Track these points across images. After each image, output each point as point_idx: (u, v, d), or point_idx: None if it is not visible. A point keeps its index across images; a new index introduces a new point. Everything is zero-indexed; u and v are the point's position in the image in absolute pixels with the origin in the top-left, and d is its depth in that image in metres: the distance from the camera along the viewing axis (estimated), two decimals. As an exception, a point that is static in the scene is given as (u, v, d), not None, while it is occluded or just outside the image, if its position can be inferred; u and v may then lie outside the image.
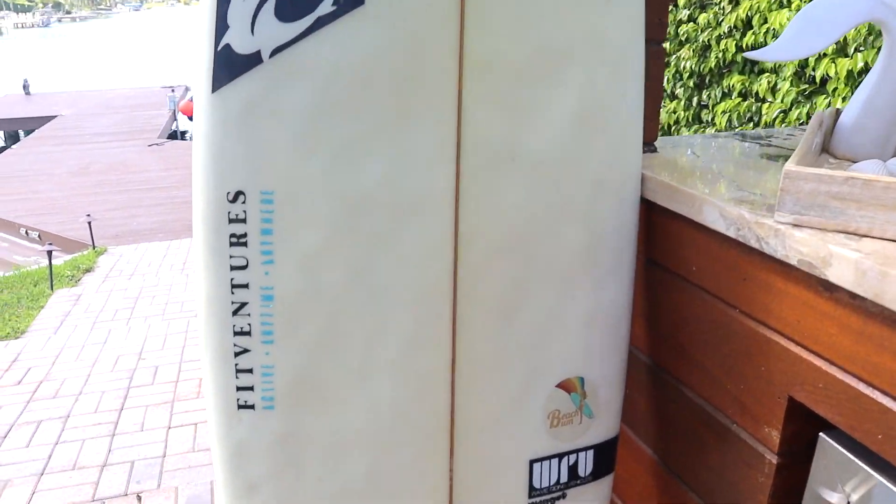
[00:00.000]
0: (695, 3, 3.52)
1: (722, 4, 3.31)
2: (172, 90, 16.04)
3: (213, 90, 0.70)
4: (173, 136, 13.62)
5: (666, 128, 3.90)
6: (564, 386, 0.91)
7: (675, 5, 3.63)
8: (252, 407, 0.75)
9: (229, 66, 0.69)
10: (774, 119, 3.02)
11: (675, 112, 3.78)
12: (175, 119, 14.67)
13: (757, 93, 3.10)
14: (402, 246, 0.77)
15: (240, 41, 0.69)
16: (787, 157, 1.02)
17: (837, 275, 0.67)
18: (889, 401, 0.65)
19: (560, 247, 0.85)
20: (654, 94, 1.02)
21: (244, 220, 0.71)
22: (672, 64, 3.71)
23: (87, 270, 4.52)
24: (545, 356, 0.88)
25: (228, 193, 0.71)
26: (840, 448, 0.72)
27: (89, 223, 5.96)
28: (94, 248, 5.47)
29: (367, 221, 0.75)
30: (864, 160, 0.93)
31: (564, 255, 0.86)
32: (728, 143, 1.12)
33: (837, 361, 0.70)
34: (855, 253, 0.65)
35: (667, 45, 3.77)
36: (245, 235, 0.71)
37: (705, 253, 0.85)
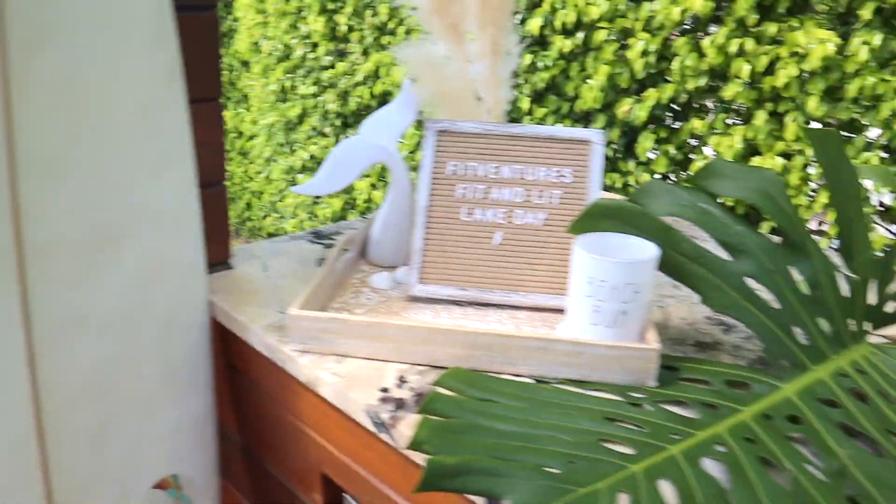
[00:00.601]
0: (334, 52, 3.85)
1: (356, 56, 3.68)
2: None
3: None
4: None
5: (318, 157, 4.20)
6: (160, 485, 1.10)
7: (314, 49, 3.93)
8: None
9: None
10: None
11: (327, 147, 4.09)
12: None
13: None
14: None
15: None
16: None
17: (325, 393, 0.93)
18: (371, 476, 0.93)
19: (139, 380, 1.03)
20: (219, 221, 1.23)
21: None
22: (320, 105, 4.01)
23: None
24: (137, 469, 1.06)
25: None
26: (352, 508, 1.00)
27: None
28: None
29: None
30: (385, 268, 1.24)
31: (145, 386, 1.04)
32: (299, 247, 1.38)
33: (342, 451, 0.97)
34: (332, 377, 0.92)
35: (313, 88, 4.07)
36: None
37: (259, 365, 1.08)
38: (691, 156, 2.42)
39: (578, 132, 1.11)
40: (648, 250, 0.93)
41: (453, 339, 0.92)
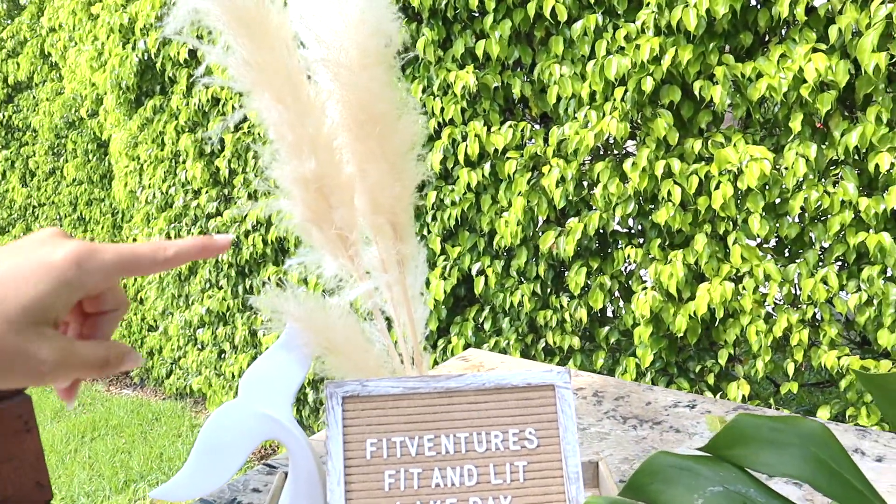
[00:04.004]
0: (217, 198, 3.52)
1: (242, 202, 3.37)
2: None
3: None
4: None
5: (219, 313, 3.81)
6: None
7: (196, 197, 3.60)
8: None
9: None
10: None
11: (224, 300, 3.72)
12: None
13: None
14: None
15: None
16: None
17: None
18: None
19: None
20: None
21: None
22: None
23: None
24: None
25: None
26: None
27: None
28: None
29: None
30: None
31: None
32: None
33: None
34: None
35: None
36: None
37: None
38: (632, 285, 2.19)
39: (535, 375, 0.82)
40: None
41: None
